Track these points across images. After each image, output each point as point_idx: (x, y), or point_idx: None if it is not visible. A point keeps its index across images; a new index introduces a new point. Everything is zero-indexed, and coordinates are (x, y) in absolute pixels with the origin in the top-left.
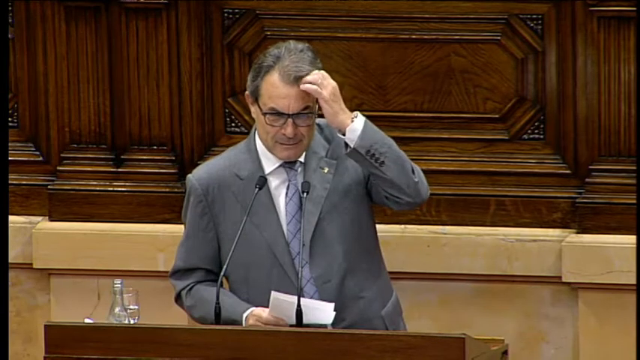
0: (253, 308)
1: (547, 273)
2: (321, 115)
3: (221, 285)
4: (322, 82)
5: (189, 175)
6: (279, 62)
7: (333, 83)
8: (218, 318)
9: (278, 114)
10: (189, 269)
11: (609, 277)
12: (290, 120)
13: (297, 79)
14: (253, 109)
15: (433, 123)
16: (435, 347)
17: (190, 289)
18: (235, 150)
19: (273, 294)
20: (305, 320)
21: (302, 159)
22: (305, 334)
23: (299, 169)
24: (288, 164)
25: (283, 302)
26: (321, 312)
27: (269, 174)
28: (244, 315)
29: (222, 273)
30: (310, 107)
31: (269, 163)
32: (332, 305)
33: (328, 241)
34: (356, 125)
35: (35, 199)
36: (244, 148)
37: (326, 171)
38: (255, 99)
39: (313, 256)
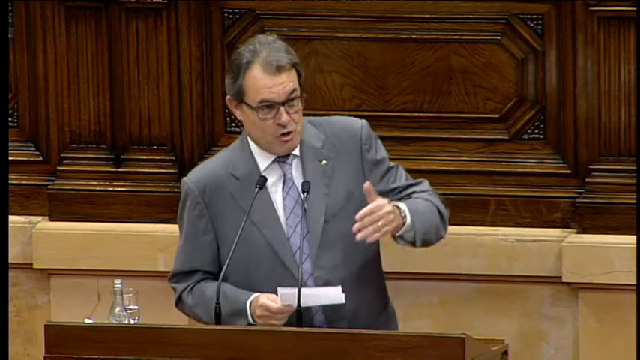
0: (256, 295)
1: (547, 273)
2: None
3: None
4: (387, 224)
5: (184, 179)
6: (256, 56)
7: (390, 217)
8: (218, 318)
9: (269, 105)
10: (189, 272)
11: (609, 277)
12: (282, 108)
13: (279, 68)
14: (239, 111)
15: (433, 123)
16: (435, 347)
17: (192, 288)
18: (229, 150)
19: (280, 289)
20: (317, 303)
21: (296, 152)
22: (305, 334)
23: (293, 162)
24: (282, 159)
25: (290, 295)
26: (331, 294)
27: (264, 171)
28: (248, 301)
29: (222, 273)
30: (296, 90)
31: (263, 160)
32: (339, 287)
33: (332, 245)
34: (408, 224)
35: (35, 199)
36: (238, 147)
37: (324, 163)
38: (240, 99)
39: (318, 258)
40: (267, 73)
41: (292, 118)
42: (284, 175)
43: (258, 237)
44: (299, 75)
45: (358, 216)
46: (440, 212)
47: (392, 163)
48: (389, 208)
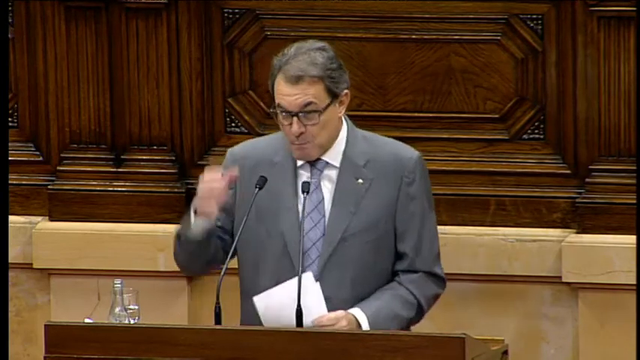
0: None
1: (547, 273)
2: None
3: (223, 276)
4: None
5: (230, 148)
6: (285, 62)
7: (344, 323)
8: (218, 318)
9: (284, 112)
10: None
11: (609, 277)
12: (295, 118)
13: (298, 79)
14: None
15: (433, 123)
16: (435, 347)
17: None
18: (281, 134)
19: (255, 299)
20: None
21: (336, 163)
22: (305, 334)
23: (325, 170)
24: (311, 162)
25: (269, 299)
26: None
27: (300, 166)
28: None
29: (227, 260)
30: (314, 104)
31: None
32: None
33: (341, 264)
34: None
35: (35, 199)
36: None
37: (360, 182)
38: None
39: (325, 271)
40: (286, 82)
41: (309, 130)
42: (310, 178)
43: (276, 226)
44: (329, 90)
45: (315, 322)
46: (418, 307)
47: (425, 215)
48: (344, 323)
